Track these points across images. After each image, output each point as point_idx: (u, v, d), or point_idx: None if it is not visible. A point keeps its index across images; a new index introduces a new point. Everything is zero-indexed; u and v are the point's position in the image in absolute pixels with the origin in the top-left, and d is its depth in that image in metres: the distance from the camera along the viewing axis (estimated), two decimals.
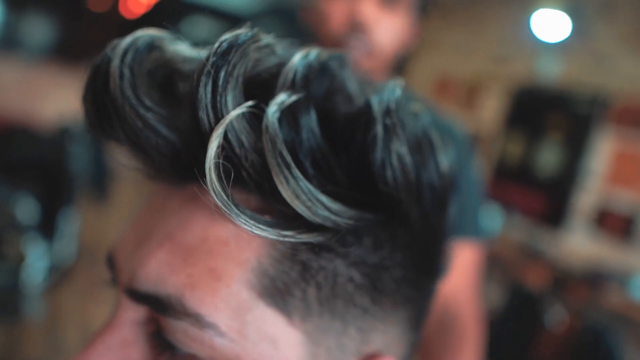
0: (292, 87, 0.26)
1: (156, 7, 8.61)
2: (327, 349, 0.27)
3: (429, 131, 0.29)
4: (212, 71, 0.24)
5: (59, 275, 2.13)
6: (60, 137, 2.07)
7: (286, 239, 0.25)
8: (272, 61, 0.28)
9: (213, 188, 0.23)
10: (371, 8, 0.76)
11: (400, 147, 0.26)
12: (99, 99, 0.27)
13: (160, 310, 0.25)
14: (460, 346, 0.74)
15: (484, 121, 4.39)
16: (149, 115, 0.25)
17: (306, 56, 0.28)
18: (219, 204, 0.23)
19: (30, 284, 1.77)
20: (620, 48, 3.55)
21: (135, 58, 0.26)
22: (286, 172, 0.23)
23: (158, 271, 0.25)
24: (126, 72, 0.25)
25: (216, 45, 0.25)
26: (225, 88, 0.24)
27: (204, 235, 0.25)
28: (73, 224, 1.96)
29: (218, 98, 0.24)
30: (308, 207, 0.24)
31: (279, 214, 0.25)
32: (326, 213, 0.24)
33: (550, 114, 4.01)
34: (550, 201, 3.81)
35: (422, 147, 0.28)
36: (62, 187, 1.87)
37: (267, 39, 0.28)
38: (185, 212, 0.26)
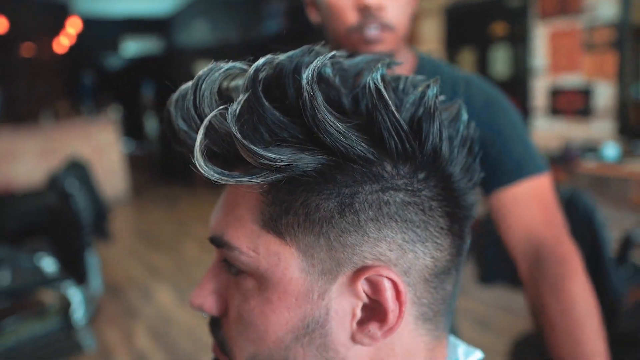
0: (245, 90, 0.36)
1: (80, 38, 8.51)
2: (320, 260, 0.36)
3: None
4: (194, 90, 0.37)
5: (94, 309, 2.32)
6: (56, 186, 2.20)
7: (250, 182, 0.35)
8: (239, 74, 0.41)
9: (200, 166, 0.35)
10: None
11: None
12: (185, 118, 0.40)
13: (218, 245, 0.40)
14: (568, 274, 0.74)
15: (428, 46, 4.57)
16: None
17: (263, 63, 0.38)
18: (212, 175, 0.35)
19: (80, 322, 1.95)
20: None
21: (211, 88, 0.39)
22: (241, 143, 0.34)
23: (215, 224, 0.41)
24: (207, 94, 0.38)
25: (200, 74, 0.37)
26: (202, 101, 0.37)
27: (233, 199, 0.40)
28: (95, 262, 2.13)
29: (197, 109, 0.38)
30: (252, 160, 0.34)
31: (245, 170, 0.36)
32: (266, 162, 0.33)
33: (489, 21, 4.21)
34: (517, 104, 4.04)
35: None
36: (77, 231, 2.02)
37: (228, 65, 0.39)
38: (227, 191, 0.41)
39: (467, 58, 4.40)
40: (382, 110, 0.34)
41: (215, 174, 0.34)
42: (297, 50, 0.39)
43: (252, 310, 0.37)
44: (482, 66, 4.33)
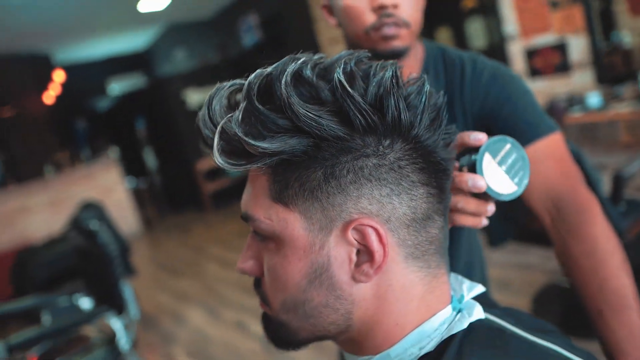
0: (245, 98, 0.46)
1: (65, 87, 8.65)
2: (317, 219, 0.45)
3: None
4: (207, 105, 0.49)
5: (133, 338, 2.45)
6: (79, 227, 2.33)
7: (252, 167, 0.45)
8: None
9: (219, 159, 0.45)
10: None
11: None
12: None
13: (245, 219, 0.52)
14: (587, 219, 0.79)
15: None
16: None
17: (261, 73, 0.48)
18: (224, 165, 0.45)
19: (125, 349, 2.08)
20: None
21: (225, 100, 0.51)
22: (242, 139, 0.44)
23: (243, 205, 0.52)
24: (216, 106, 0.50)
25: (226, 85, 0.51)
26: (214, 113, 0.48)
27: (251, 184, 0.51)
28: (129, 292, 2.27)
29: (212, 120, 0.49)
30: (253, 150, 0.44)
31: (249, 160, 0.45)
32: (262, 150, 0.43)
33: None
34: None
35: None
36: (107, 265, 2.15)
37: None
38: (248, 180, 0.52)
39: (444, 35, 4.51)
40: (346, 97, 0.43)
41: (227, 165, 0.45)
42: (282, 60, 0.48)
43: (275, 265, 0.48)
44: (460, 40, 4.43)
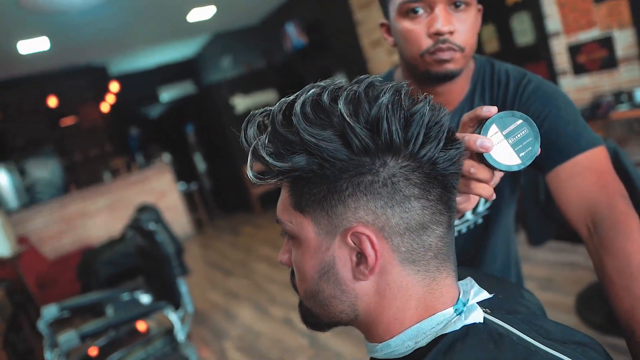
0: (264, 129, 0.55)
1: (120, 96, 9.09)
2: (324, 225, 0.53)
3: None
4: (244, 130, 0.58)
5: (188, 332, 2.62)
6: (138, 228, 2.51)
7: (271, 181, 0.54)
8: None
9: (250, 174, 0.55)
10: (446, 18, 0.87)
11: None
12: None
13: (278, 222, 0.61)
14: (621, 234, 0.76)
15: None
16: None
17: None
18: (253, 179, 0.55)
19: (182, 340, 2.25)
20: None
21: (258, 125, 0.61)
22: (264, 159, 0.53)
23: (277, 211, 0.61)
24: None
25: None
26: (248, 136, 0.56)
27: (281, 194, 0.60)
28: (185, 288, 2.44)
29: (247, 142, 0.56)
30: (272, 168, 0.53)
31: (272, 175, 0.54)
32: (277, 168, 0.52)
33: None
34: (537, 70, 4.12)
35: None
36: (165, 262, 2.33)
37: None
38: (282, 189, 0.60)
39: (488, 32, 4.49)
40: (344, 122, 0.50)
41: (254, 179, 0.55)
42: (304, 88, 0.56)
43: (297, 260, 0.58)
44: (504, 37, 4.39)
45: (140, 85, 10.26)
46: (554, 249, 3.34)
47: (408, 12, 0.90)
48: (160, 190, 7.31)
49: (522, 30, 4.19)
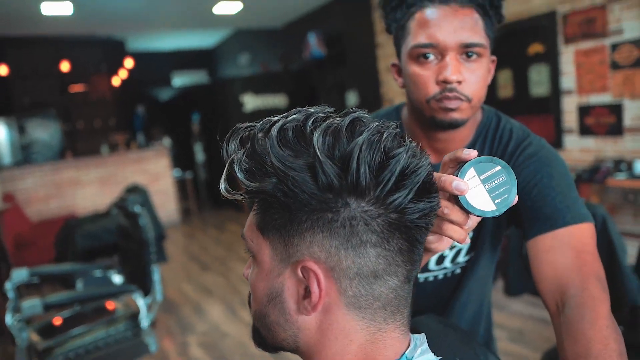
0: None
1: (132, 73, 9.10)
2: (280, 252, 0.52)
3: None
4: (226, 142, 0.58)
5: (153, 320, 2.61)
6: (123, 207, 2.50)
7: (236, 197, 0.54)
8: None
9: (222, 186, 0.54)
10: (455, 67, 0.86)
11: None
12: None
13: (243, 238, 0.61)
14: (586, 319, 0.73)
15: None
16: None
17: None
18: (223, 191, 0.54)
19: (145, 327, 2.23)
20: None
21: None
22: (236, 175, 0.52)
23: (246, 224, 0.61)
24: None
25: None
26: (229, 149, 0.55)
27: (252, 209, 0.60)
28: (158, 276, 2.42)
29: (228, 155, 0.57)
30: (245, 188, 0.52)
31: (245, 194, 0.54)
32: (245, 187, 0.51)
33: (523, 42, 4.33)
34: (545, 124, 4.15)
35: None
36: (143, 247, 2.31)
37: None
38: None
39: (504, 77, 4.52)
40: (315, 155, 0.48)
41: (224, 191, 0.54)
42: (291, 111, 0.55)
43: (252, 280, 0.58)
44: (520, 85, 4.42)
45: (155, 66, 10.29)
46: (529, 302, 3.34)
47: (419, 57, 0.90)
48: (155, 172, 7.30)
49: (538, 81, 4.23)
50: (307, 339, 0.54)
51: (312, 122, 0.52)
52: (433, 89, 0.89)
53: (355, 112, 0.54)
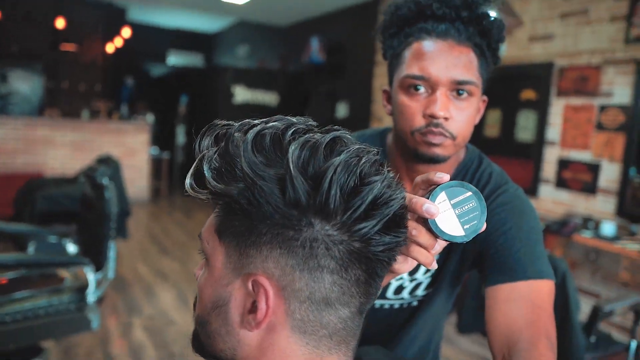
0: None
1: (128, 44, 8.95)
2: (233, 261, 0.50)
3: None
4: (200, 137, 0.55)
5: (101, 296, 2.54)
6: (91, 177, 2.43)
7: (199, 195, 0.51)
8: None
9: (187, 181, 0.51)
10: (444, 103, 0.86)
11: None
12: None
13: (199, 237, 0.58)
14: None
15: None
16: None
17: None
18: (187, 187, 0.52)
19: (91, 302, 2.16)
20: (548, 22, 3.97)
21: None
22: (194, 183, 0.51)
23: (204, 226, 0.58)
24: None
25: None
26: (202, 145, 0.54)
27: (214, 212, 0.58)
28: (113, 253, 2.36)
29: (201, 150, 0.52)
30: (210, 188, 0.49)
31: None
32: (210, 187, 0.49)
33: (517, 86, 4.39)
34: (524, 169, 4.21)
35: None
36: (104, 221, 2.25)
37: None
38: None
39: (493, 117, 4.58)
40: (287, 167, 0.46)
41: (188, 187, 0.52)
42: (272, 117, 0.53)
43: (201, 283, 0.56)
44: (507, 127, 4.48)
45: (152, 41, 10.14)
46: (478, 342, 3.37)
47: (409, 88, 0.89)
48: (131, 147, 7.17)
49: (525, 127, 4.30)
50: (246, 354, 0.51)
51: (292, 133, 0.50)
52: (419, 122, 0.88)
53: (338, 130, 0.52)
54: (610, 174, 3.56)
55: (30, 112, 7.07)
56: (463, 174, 0.99)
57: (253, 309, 0.49)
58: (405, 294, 1.04)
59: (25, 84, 7.35)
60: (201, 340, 0.56)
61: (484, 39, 0.91)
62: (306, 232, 0.47)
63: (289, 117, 0.54)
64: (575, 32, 3.83)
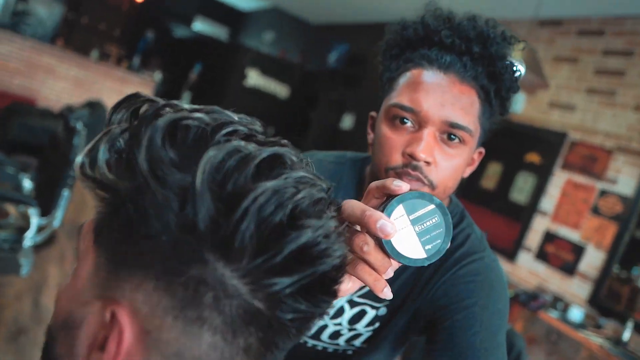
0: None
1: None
2: (101, 277, 0.37)
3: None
4: (112, 110, 0.42)
5: (44, 241, 2.40)
6: (67, 116, 2.30)
7: (83, 184, 0.39)
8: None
9: (79, 159, 0.38)
10: (429, 144, 0.73)
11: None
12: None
13: (78, 233, 0.44)
14: None
15: None
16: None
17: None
18: (76, 166, 0.39)
19: (28, 246, 2.02)
20: (573, 93, 3.89)
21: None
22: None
23: (85, 225, 0.42)
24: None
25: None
26: (114, 120, 0.41)
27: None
28: (66, 202, 2.22)
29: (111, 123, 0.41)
30: (98, 173, 0.37)
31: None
32: (99, 177, 0.37)
33: (524, 146, 4.31)
34: (510, 230, 4.11)
35: None
36: (65, 166, 2.11)
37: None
38: None
39: (493, 169, 4.48)
40: (194, 184, 0.35)
41: (78, 167, 0.39)
42: (210, 107, 0.41)
43: (61, 286, 0.43)
44: (504, 185, 4.38)
45: (182, 1, 10.00)
46: None
47: (395, 119, 0.77)
48: None
49: (522, 188, 4.20)
50: None
51: (227, 134, 0.37)
52: (396, 160, 0.76)
53: (284, 146, 0.39)
54: (593, 260, 3.47)
55: (41, 37, 6.89)
56: None
57: (101, 346, 0.36)
58: (341, 341, 0.92)
59: (44, 8, 7.17)
60: (48, 354, 0.42)
61: (493, 82, 0.78)
62: (195, 269, 0.34)
63: (230, 113, 0.41)
64: (597, 110, 3.75)
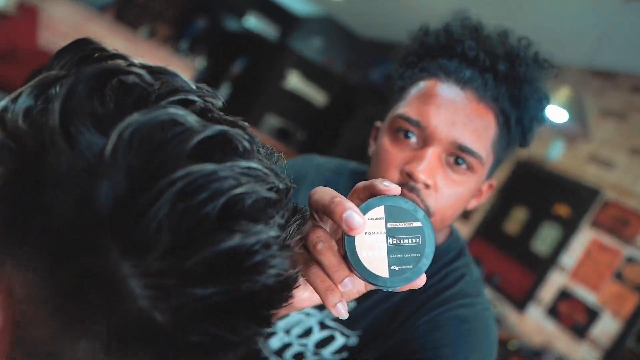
0: None
1: None
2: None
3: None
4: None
5: None
6: None
7: None
8: None
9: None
10: (431, 165, 0.65)
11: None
12: None
13: None
14: None
15: None
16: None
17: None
18: None
19: None
20: (616, 150, 3.70)
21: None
22: None
23: None
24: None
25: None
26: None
27: None
28: None
29: None
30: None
31: None
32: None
33: (554, 196, 4.12)
34: (524, 279, 3.92)
35: None
36: None
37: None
38: None
39: (518, 215, 4.30)
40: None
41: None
42: (154, 66, 0.35)
43: None
44: (526, 234, 4.19)
45: None
46: None
47: (398, 131, 0.69)
48: None
49: (543, 239, 4.01)
50: None
51: (174, 102, 0.30)
52: (392, 177, 0.67)
53: (240, 127, 0.32)
54: (607, 327, 3.26)
55: (94, 4, 7.01)
56: (432, 262, 0.76)
57: None
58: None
59: None
60: None
61: (515, 107, 0.68)
62: (87, 257, 0.27)
63: (185, 78, 0.34)
64: (638, 172, 3.55)
